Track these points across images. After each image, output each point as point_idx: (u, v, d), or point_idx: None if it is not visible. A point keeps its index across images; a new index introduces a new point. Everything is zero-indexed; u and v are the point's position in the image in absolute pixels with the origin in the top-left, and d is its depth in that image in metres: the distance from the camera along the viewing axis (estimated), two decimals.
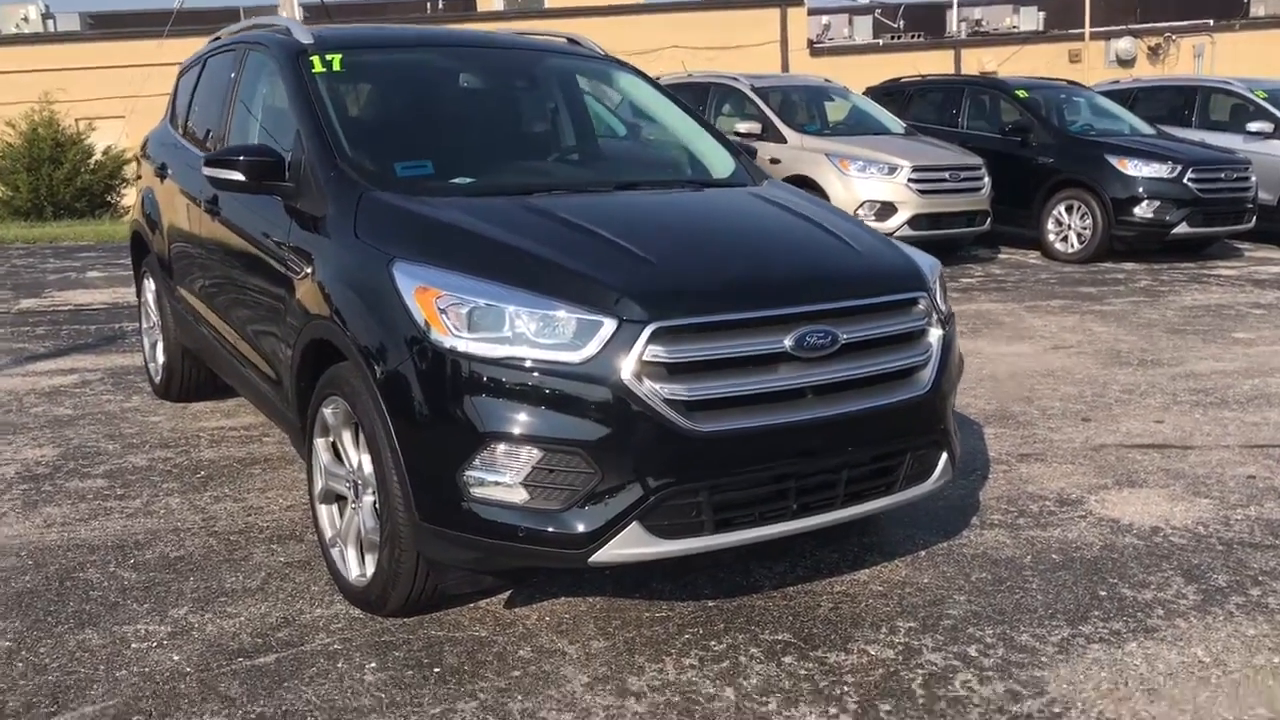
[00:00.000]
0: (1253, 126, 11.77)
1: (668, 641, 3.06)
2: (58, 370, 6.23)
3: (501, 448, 2.72)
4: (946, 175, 10.02)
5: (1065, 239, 10.81)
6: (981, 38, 33.00)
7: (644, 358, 2.69)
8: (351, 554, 3.25)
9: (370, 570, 3.12)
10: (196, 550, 3.70)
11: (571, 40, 4.76)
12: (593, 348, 2.69)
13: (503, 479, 2.74)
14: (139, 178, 5.68)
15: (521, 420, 2.71)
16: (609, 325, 2.70)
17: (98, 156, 16.88)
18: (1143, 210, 10.32)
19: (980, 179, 10.24)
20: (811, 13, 29.63)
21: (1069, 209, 10.75)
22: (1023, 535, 3.85)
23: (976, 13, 36.39)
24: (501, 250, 2.96)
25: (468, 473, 2.76)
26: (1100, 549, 3.73)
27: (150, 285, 5.45)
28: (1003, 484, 4.38)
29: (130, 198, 17.71)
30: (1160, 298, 8.91)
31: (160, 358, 5.43)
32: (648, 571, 3.41)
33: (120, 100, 20.94)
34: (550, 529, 2.73)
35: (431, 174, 3.60)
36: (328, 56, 3.92)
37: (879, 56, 28.05)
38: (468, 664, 2.93)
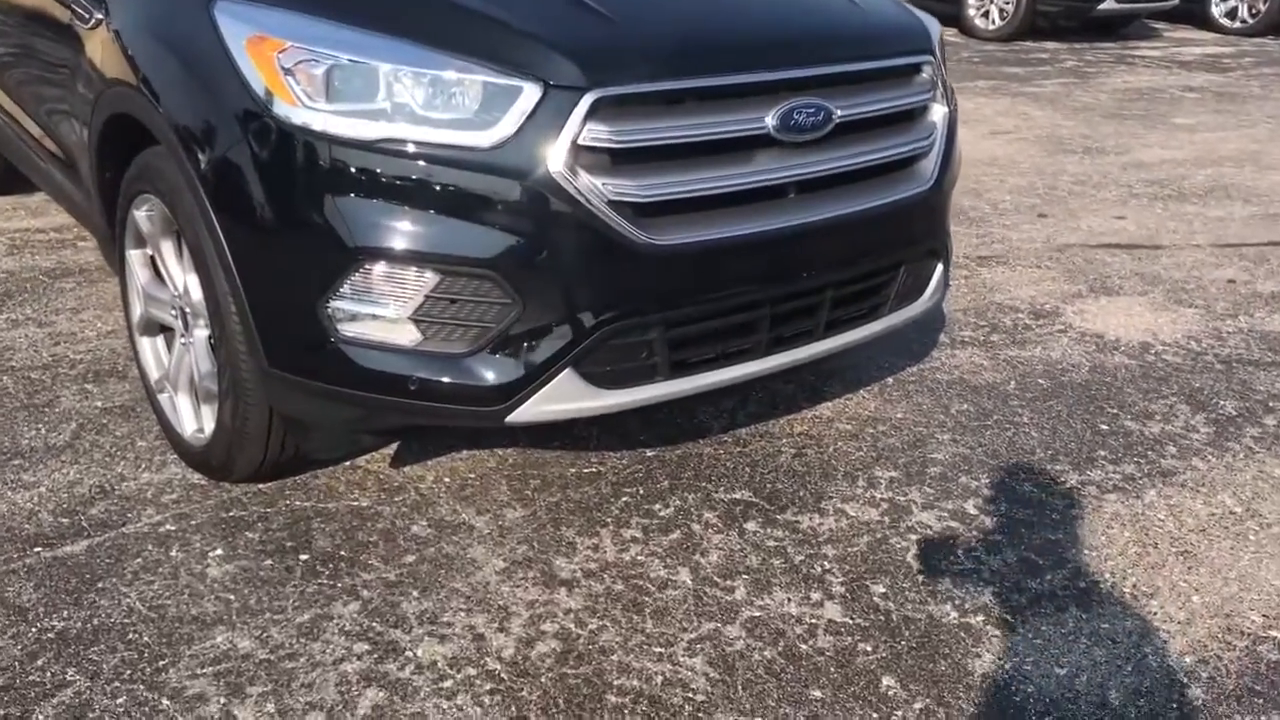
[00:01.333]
0: None
1: (601, 507, 2.44)
2: None
3: (380, 268, 1.95)
4: None
5: (986, 14, 10.06)
6: None
7: (580, 140, 1.91)
8: (184, 402, 2.49)
9: (210, 426, 2.37)
10: None
11: None
12: (508, 125, 1.90)
13: (384, 311, 1.99)
14: None
15: (407, 230, 1.93)
16: (531, 92, 1.90)
17: None
18: None
19: None
20: None
21: None
22: (1000, 356, 3.30)
23: None
24: None
25: (334, 303, 1.99)
26: (1090, 371, 3.21)
27: None
28: (966, 292, 3.80)
29: None
30: (1089, 79, 8.33)
31: None
32: None
33: None
34: (454, 379, 2.00)
35: None
36: None
37: None
38: (345, 548, 2.27)
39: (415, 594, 2.12)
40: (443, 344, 2.00)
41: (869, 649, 2.01)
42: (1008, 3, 9.87)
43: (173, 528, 2.32)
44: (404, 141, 1.91)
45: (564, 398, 2.04)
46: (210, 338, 2.30)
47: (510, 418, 2.04)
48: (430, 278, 1.95)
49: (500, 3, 2.07)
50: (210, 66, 2.05)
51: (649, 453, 2.67)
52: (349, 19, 1.98)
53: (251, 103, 1.97)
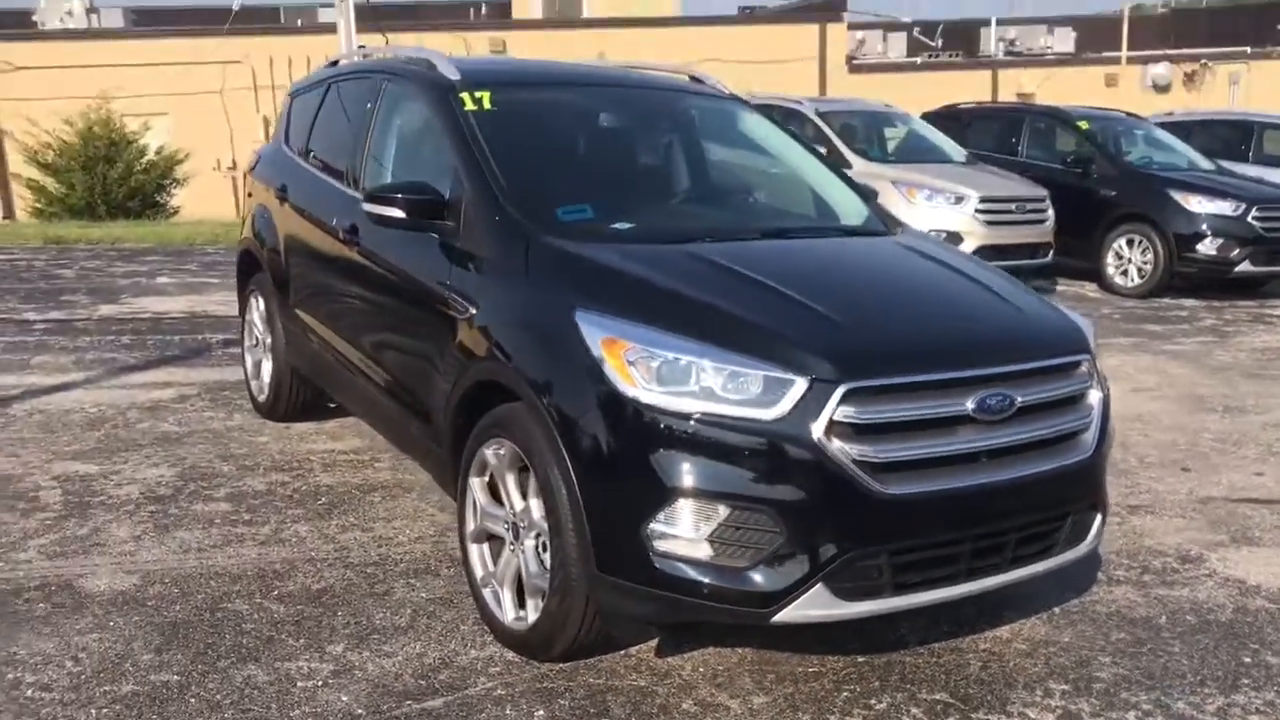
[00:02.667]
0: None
1: (827, 699, 3.09)
2: (153, 383, 6.29)
3: (688, 503, 2.76)
4: (1013, 206, 10.04)
5: (1125, 273, 10.80)
6: (1018, 58, 33.03)
7: (835, 418, 2.72)
8: (508, 596, 3.29)
9: (532, 615, 3.16)
10: (337, 583, 3.74)
11: (694, 79, 4.80)
12: (784, 405, 2.72)
13: (688, 534, 2.77)
14: (250, 195, 5.73)
15: (710, 476, 2.75)
16: (800, 384, 2.73)
17: (150, 156, 16.99)
18: (1206, 247, 10.32)
19: (1045, 211, 10.25)
20: (849, 27, 29.71)
21: (1130, 243, 10.74)
22: (1152, 594, 3.86)
23: (1011, 32, 36.37)
24: (684, 303, 3.00)
25: (652, 525, 2.79)
26: (1233, 611, 3.74)
27: (258, 304, 5.50)
28: (1119, 536, 4.39)
29: (180, 198, 17.91)
30: (1228, 338, 8.90)
31: (266, 377, 5.48)
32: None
33: (164, 98, 21.18)
34: (735, 586, 2.76)
35: (591, 218, 3.64)
36: (476, 94, 3.96)
37: (917, 75, 28.09)
38: (634, 716, 2.96)
39: None
40: (729, 559, 2.76)
41: None
42: (1146, 262, 10.62)
43: (503, 693, 3.07)
44: (712, 415, 2.75)
45: (815, 605, 2.77)
46: (537, 546, 3.13)
47: (775, 618, 2.77)
48: (724, 510, 2.74)
49: (769, 315, 2.95)
50: (572, 354, 2.95)
51: (859, 658, 3.32)
52: (672, 329, 2.87)
53: (603, 382, 2.85)
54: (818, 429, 2.71)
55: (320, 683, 3.10)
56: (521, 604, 3.26)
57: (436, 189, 3.65)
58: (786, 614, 2.77)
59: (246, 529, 4.19)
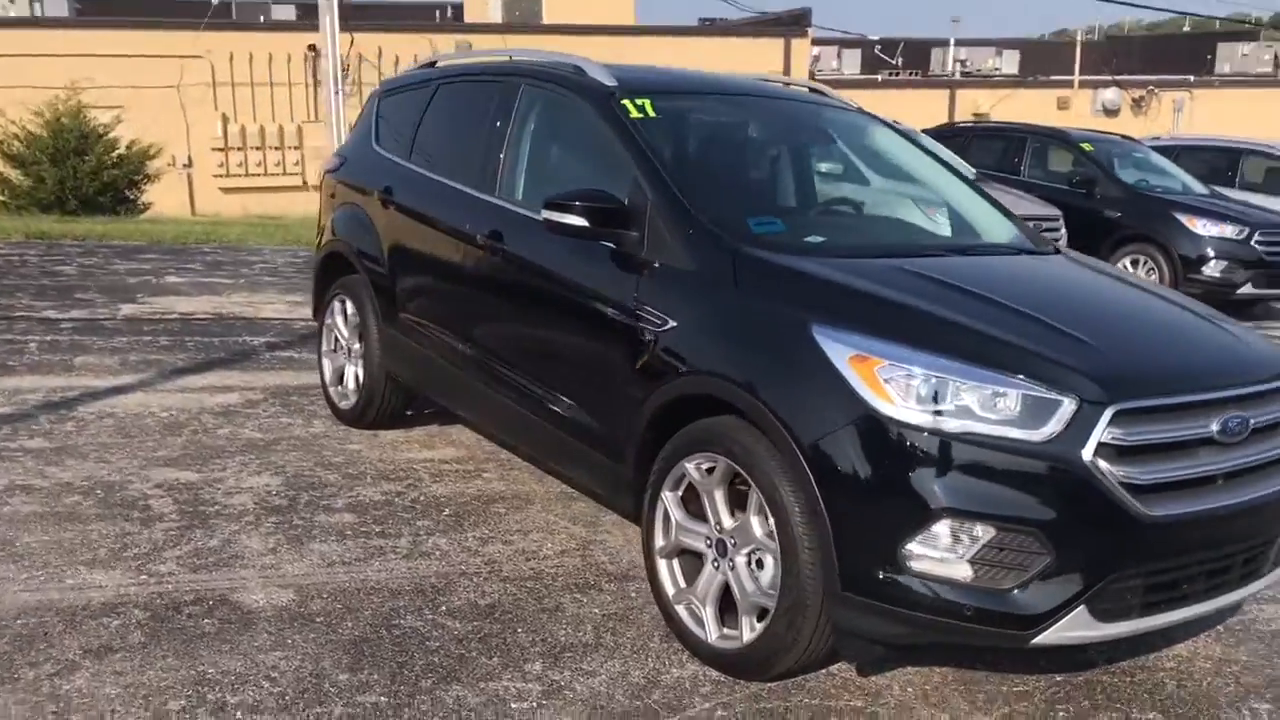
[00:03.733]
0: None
1: (1044, 718, 3.07)
2: (214, 387, 6.07)
3: (951, 524, 2.72)
4: (1031, 225, 10.21)
5: None
6: (972, 78, 33.70)
7: (1103, 439, 2.70)
8: (710, 614, 3.22)
9: (748, 634, 3.09)
10: (503, 598, 3.63)
11: (814, 90, 4.78)
12: (1053, 426, 2.70)
13: (948, 555, 2.74)
14: (332, 196, 5.57)
15: (974, 497, 2.71)
16: (1069, 405, 2.71)
17: (120, 150, 16.48)
18: (1211, 269, 10.59)
19: (1058, 230, 10.43)
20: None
21: (1134, 263, 10.98)
22: None
23: (961, 53, 37.12)
24: (928, 319, 2.97)
25: (909, 546, 2.75)
26: None
27: (345, 309, 5.34)
28: None
29: (152, 194, 17.39)
30: None
31: (351, 383, 5.33)
32: None
33: (120, 91, 20.55)
34: (999, 609, 2.73)
35: (783, 230, 3.59)
36: (638, 101, 3.89)
37: (877, 92, 28.44)
38: None
39: None
40: (991, 581, 2.73)
41: None
42: None
43: (724, 714, 3.00)
44: (979, 435, 2.72)
45: (1075, 627, 2.75)
46: (751, 563, 3.07)
47: (1036, 640, 2.74)
48: (990, 532, 2.71)
49: (1019, 334, 2.92)
50: (811, 371, 2.89)
51: (1057, 677, 3.32)
52: (926, 346, 2.83)
53: (854, 401, 2.80)
54: (1088, 450, 2.69)
55: (535, 704, 3.00)
56: (727, 622, 3.19)
57: (617, 197, 3.57)
58: (1047, 635, 2.74)
59: (383, 541, 4.05)
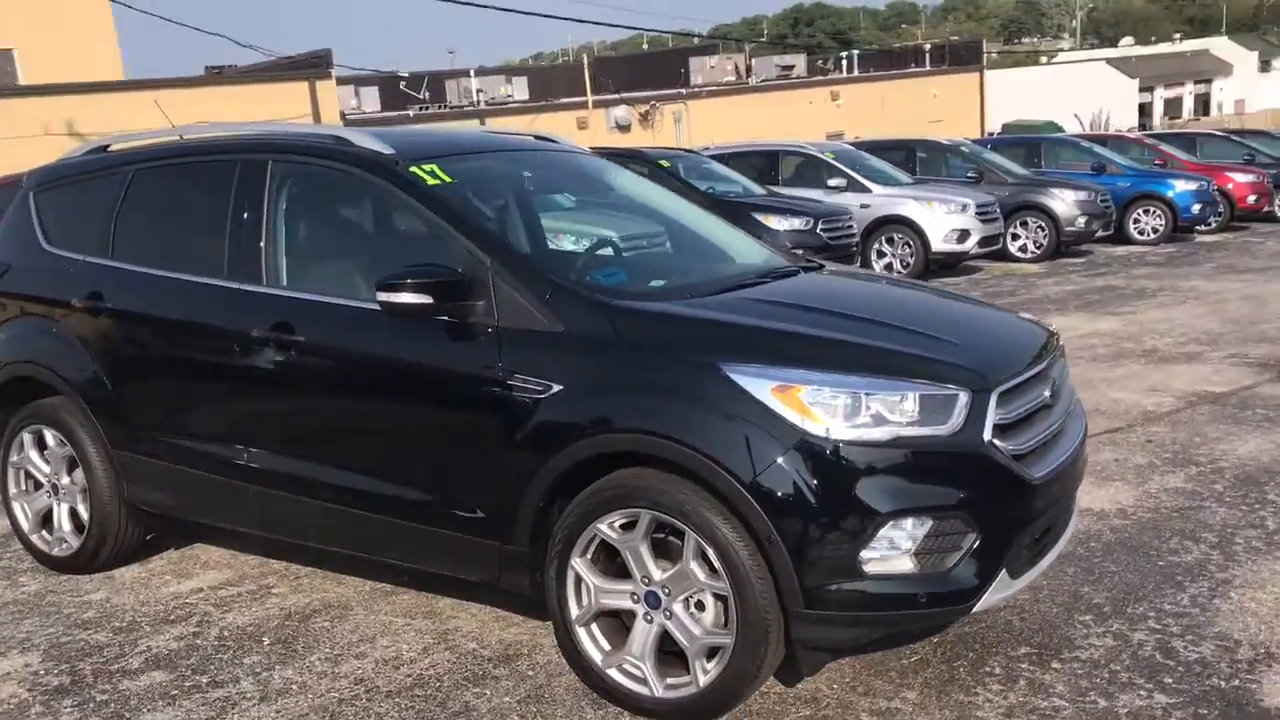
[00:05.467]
0: (832, 182, 14.04)
1: (952, 675, 3.43)
2: None
3: (897, 524, 2.96)
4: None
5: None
6: (497, 105, 35.03)
7: (995, 421, 3.08)
8: (650, 668, 3.22)
9: (705, 677, 3.13)
10: (406, 716, 3.35)
11: (540, 138, 4.84)
12: (957, 418, 3.03)
13: (896, 552, 2.98)
14: (2, 316, 4.70)
15: (912, 494, 2.98)
16: (964, 397, 3.05)
17: None
18: None
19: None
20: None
21: None
22: None
23: (475, 83, 38.50)
24: (817, 343, 3.17)
25: (863, 553, 2.95)
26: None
27: (43, 440, 4.56)
28: None
29: None
30: None
31: (67, 524, 4.57)
32: None
33: None
34: (946, 589, 3.01)
35: (627, 280, 3.62)
36: (425, 167, 3.75)
37: (412, 127, 28.67)
38: None
39: None
40: (933, 567, 3.01)
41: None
42: None
43: None
44: (900, 438, 2.98)
45: (1000, 590, 3.11)
46: (690, 608, 3.13)
47: (975, 609, 3.06)
48: (928, 523, 2.99)
49: (895, 342, 3.20)
50: (736, 409, 2.99)
51: (934, 640, 3.69)
52: (829, 368, 3.04)
53: (788, 429, 2.96)
54: (987, 433, 3.05)
55: None
56: (666, 673, 3.21)
57: (454, 269, 3.43)
58: (982, 603, 3.07)
59: (221, 691, 3.55)
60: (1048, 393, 3.39)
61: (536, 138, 4.83)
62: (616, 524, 3.21)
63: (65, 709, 3.48)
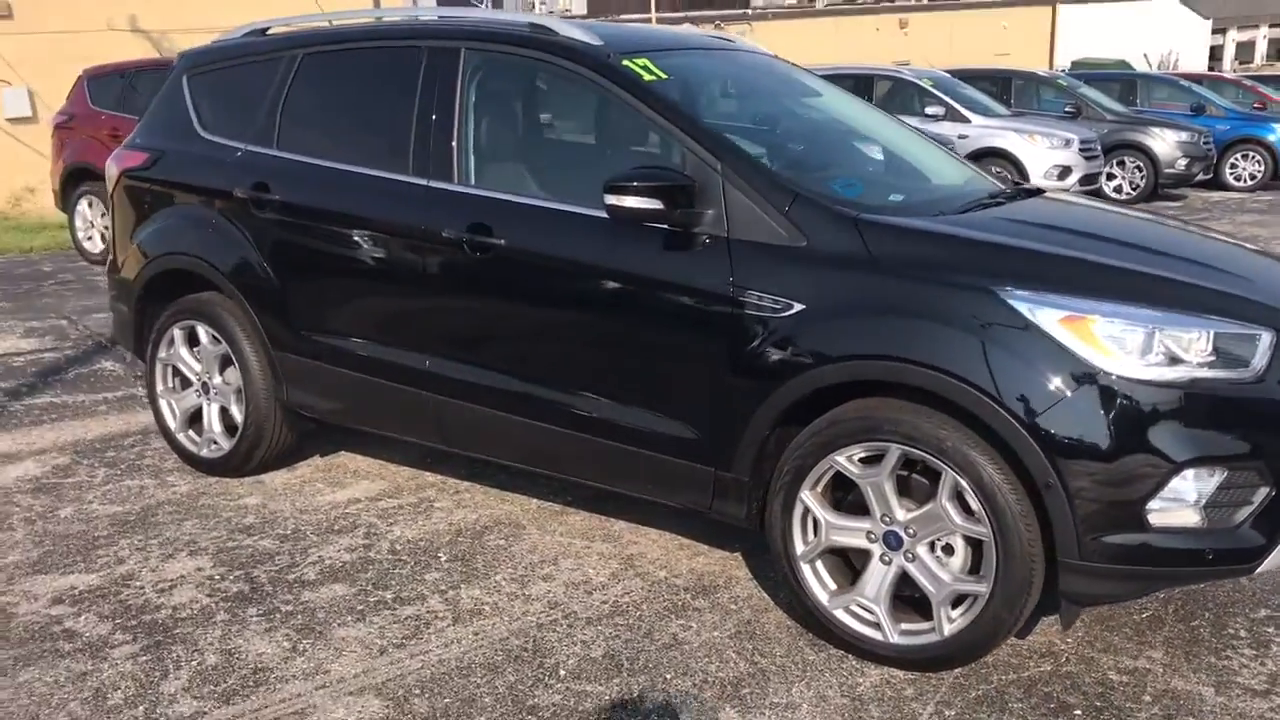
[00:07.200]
0: (930, 110, 13.52)
1: (1193, 635, 3.20)
2: (9, 455, 4.76)
3: (1188, 473, 2.70)
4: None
5: None
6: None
7: None
8: (884, 612, 3.01)
9: (950, 626, 2.92)
10: (611, 644, 3.17)
11: (723, 38, 4.52)
12: (1260, 361, 2.74)
13: (1185, 504, 2.72)
14: (140, 201, 4.49)
15: (1208, 442, 2.71)
16: (1267, 337, 2.76)
17: None
18: None
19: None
20: None
21: None
22: None
23: None
24: (1110, 271, 2.89)
25: (1150, 504, 2.70)
26: None
27: (197, 336, 4.37)
28: None
29: None
30: None
31: (220, 425, 4.40)
32: None
33: None
34: (1232, 546, 2.76)
35: (865, 192, 3.34)
36: (639, 62, 3.46)
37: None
38: (1096, 703, 2.88)
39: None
40: (1222, 522, 2.75)
41: None
42: None
43: (949, 711, 2.83)
44: (1199, 380, 2.70)
45: None
46: (936, 551, 2.90)
47: (1259, 569, 2.81)
48: (1221, 474, 2.72)
49: (1184, 274, 2.91)
50: (1018, 340, 2.72)
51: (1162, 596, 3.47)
52: (1122, 299, 2.75)
53: (1078, 363, 2.68)
54: None
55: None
56: (909, 618, 3.00)
57: (684, 174, 3.16)
58: (1268, 563, 2.82)
59: (409, 609, 3.38)
60: None
61: (723, 38, 4.51)
62: (857, 457, 2.98)
63: (252, 618, 3.33)
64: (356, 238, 3.85)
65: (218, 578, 3.60)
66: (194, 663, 3.08)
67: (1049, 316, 2.74)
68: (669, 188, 3.08)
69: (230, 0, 13.19)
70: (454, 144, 3.63)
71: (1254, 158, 16.34)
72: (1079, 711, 2.83)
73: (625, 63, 3.44)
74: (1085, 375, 2.70)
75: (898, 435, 2.89)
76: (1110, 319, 2.72)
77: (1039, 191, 3.91)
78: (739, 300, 3.08)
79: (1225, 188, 16.34)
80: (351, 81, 4.03)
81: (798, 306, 3.01)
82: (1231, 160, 16.43)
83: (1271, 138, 16.29)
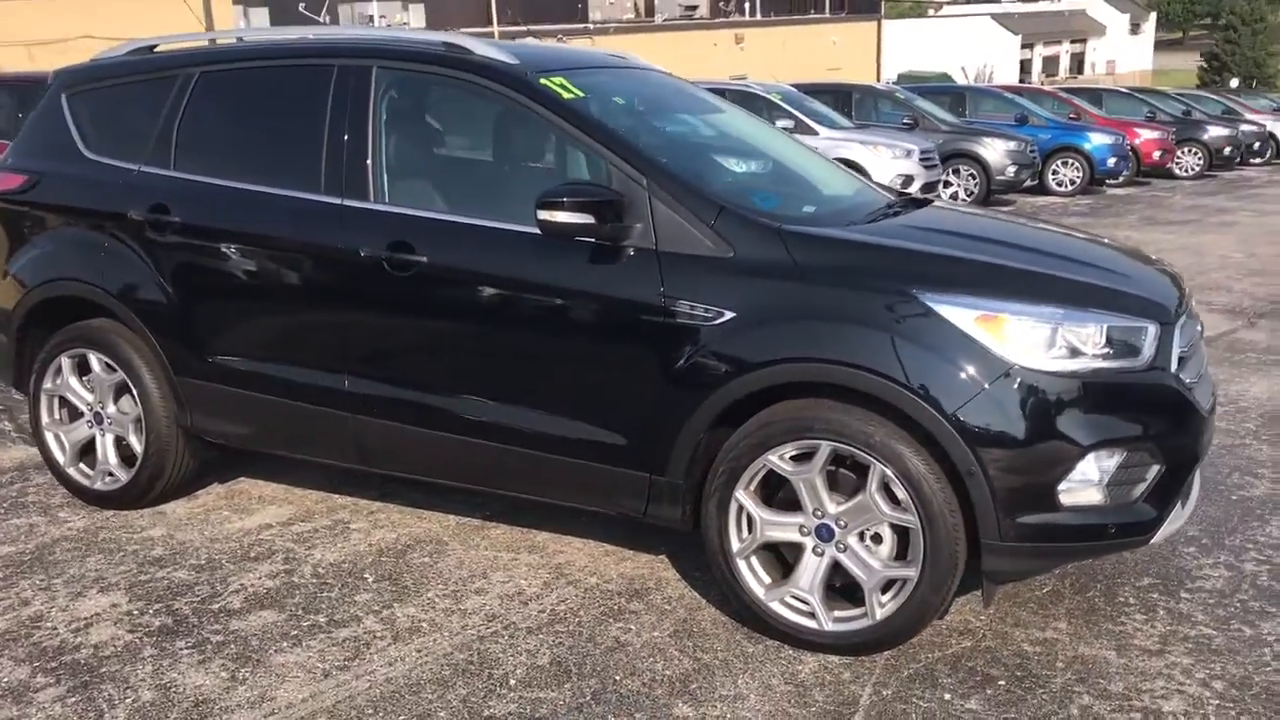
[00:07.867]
0: (779, 124, 13.97)
1: (1093, 605, 3.48)
2: None
3: (1093, 456, 2.95)
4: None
5: None
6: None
7: (1178, 353, 3.09)
8: (818, 601, 3.17)
9: (879, 611, 3.10)
10: (556, 653, 3.23)
11: (618, 56, 4.64)
12: (1148, 351, 3.03)
13: (1089, 484, 2.98)
14: (19, 227, 4.29)
15: (1109, 426, 2.98)
16: (1153, 330, 3.05)
17: None
18: None
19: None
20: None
21: None
22: None
23: (373, 7, 37.16)
24: (1013, 273, 3.12)
25: (1061, 485, 2.94)
26: None
27: (88, 365, 4.20)
28: None
29: None
30: None
31: (115, 457, 4.24)
32: None
33: None
34: (1131, 520, 3.04)
35: (781, 204, 3.49)
36: (555, 80, 3.54)
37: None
38: (1017, 672, 3.10)
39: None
40: (1121, 498, 3.02)
41: None
42: None
43: (887, 691, 3.01)
44: (1094, 369, 2.97)
45: (1174, 520, 3.15)
46: (865, 540, 3.08)
47: (1153, 540, 3.10)
48: (1118, 456, 2.99)
49: (1078, 274, 3.17)
50: (938, 341, 2.93)
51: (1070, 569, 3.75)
52: (1027, 299, 3.00)
53: (993, 360, 2.91)
54: (1174, 365, 3.07)
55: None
56: (841, 606, 3.17)
57: (611, 188, 3.25)
58: (1160, 534, 3.11)
59: (345, 630, 3.36)
60: (1199, 326, 3.43)
61: (613, 55, 4.62)
62: (789, 455, 3.13)
63: (182, 651, 3.24)
64: (266, 258, 3.79)
65: (136, 612, 3.48)
66: (129, 700, 2.98)
67: (965, 316, 2.96)
68: (599, 203, 3.17)
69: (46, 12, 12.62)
70: (369, 162, 3.63)
71: (1073, 164, 17.51)
72: (1003, 682, 3.05)
73: (544, 81, 3.51)
74: (1000, 369, 2.92)
75: (828, 433, 3.05)
76: (1019, 316, 2.96)
77: (927, 201, 4.17)
78: (670, 310, 3.20)
79: (1049, 192, 17.47)
80: (256, 100, 3.97)
81: (728, 314, 3.14)
82: (1053, 167, 17.57)
83: (1087, 146, 17.50)
